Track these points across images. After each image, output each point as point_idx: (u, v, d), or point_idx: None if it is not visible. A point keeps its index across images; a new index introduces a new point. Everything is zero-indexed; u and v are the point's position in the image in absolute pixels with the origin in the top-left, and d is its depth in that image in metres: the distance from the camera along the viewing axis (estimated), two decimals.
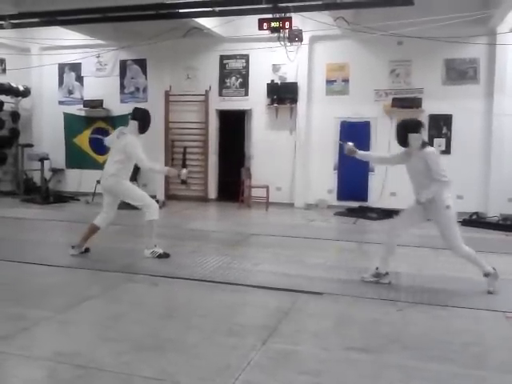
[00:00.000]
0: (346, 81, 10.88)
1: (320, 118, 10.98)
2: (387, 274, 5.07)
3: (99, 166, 12.15)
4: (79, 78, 12.66)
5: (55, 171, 12.60)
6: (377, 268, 5.08)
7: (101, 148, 12.33)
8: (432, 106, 10.18)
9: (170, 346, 3.50)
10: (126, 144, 5.70)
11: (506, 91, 9.78)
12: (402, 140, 4.90)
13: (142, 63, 12.15)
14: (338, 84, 10.96)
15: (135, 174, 11.52)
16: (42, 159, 12.01)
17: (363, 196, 10.68)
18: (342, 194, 10.80)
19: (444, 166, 4.79)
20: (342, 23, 9.74)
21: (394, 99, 10.38)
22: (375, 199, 10.50)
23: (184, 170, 6.06)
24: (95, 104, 12.23)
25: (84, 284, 5.01)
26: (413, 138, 4.81)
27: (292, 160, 11.16)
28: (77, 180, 12.54)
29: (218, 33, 10.86)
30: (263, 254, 6.41)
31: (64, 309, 4.20)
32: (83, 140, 12.68)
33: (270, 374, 3.11)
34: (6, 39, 11.46)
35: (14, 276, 5.32)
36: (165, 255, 5.95)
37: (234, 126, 11.63)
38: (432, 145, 10.27)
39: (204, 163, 11.77)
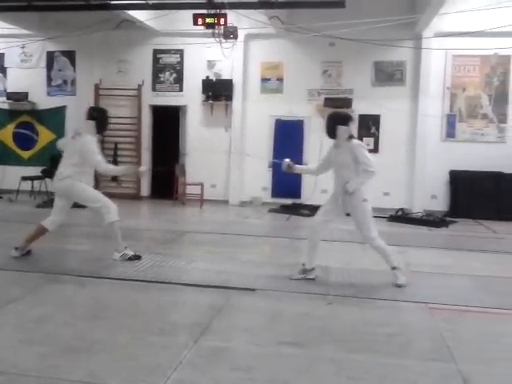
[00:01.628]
0: (280, 80, 11.03)
1: (255, 115, 11.06)
2: (313, 269, 5.17)
3: (24, 162, 11.65)
4: (2, 69, 11.96)
5: None
6: (303, 264, 5.18)
7: (26, 143, 11.78)
8: (361, 107, 10.55)
9: (99, 348, 3.39)
10: (82, 145, 5.42)
11: (430, 93, 10.32)
12: (331, 131, 5.02)
13: (70, 55, 11.67)
14: (272, 82, 11.09)
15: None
16: None
17: (296, 193, 10.90)
18: (276, 192, 10.96)
19: (371, 157, 4.94)
20: (277, 22, 9.86)
21: (325, 99, 10.65)
22: (308, 196, 10.73)
23: (143, 167, 5.87)
24: (20, 97, 11.60)
25: (5, 286, 4.73)
26: (341, 129, 4.94)
27: (227, 157, 11.17)
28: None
29: (151, 26, 10.65)
30: (197, 252, 6.36)
31: None
32: (7, 135, 11.97)
33: (202, 372, 3.10)
34: None
35: None
36: (135, 257, 5.70)
37: (168, 122, 11.45)
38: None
39: (136, 160, 11.50)
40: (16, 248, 5.63)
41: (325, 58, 10.80)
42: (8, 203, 10.39)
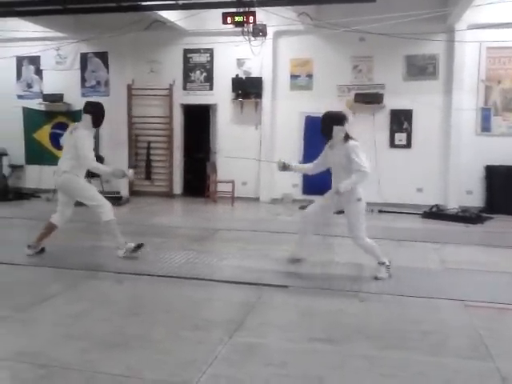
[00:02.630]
0: (309, 76, 10.99)
1: (285, 112, 11.05)
2: (300, 260, 5.32)
3: None
4: (38, 72, 12.29)
5: (14, 167, 12.20)
6: (292, 254, 5.33)
7: None
8: (393, 102, 10.41)
9: (136, 343, 3.47)
10: (76, 139, 5.49)
11: (464, 87, 10.09)
12: (327, 131, 5.00)
13: (103, 56, 11.90)
14: (302, 79, 11.05)
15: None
16: None
17: (327, 190, 10.77)
18: (307, 189, 10.91)
19: (366, 159, 4.90)
20: (305, 19, 9.83)
21: (356, 94, 10.54)
22: None
23: (131, 170, 5.89)
24: (55, 98, 11.91)
25: (45, 282, 4.89)
26: (337, 129, 4.93)
27: (257, 154, 11.18)
28: (37, 176, 12.17)
29: (181, 26, 10.76)
30: (229, 249, 6.41)
31: (24, 308, 4.10)
32: (43, 135, 12.32)
33: (237, 367, 3.13)
34: None
35: None
36: (138, 247, 5.73)
37: (198, 120, 11.56)
38: (393, 140, 10.59)
39: (169, 158, 11.66)
40: (29, 246, 5.76)
41: (355, 53, 10.69)
42: (46, 202, 10.70)
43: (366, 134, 10.53)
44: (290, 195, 11.03)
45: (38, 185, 12.03)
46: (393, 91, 10.42)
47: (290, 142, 10.99)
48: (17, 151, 12.21)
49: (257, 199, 11.14)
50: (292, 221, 9.02)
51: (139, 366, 3.13)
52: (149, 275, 5.11)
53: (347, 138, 4.95)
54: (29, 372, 3.04)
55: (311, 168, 5.66)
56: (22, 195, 11.24)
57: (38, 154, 12.28)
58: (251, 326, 3.82)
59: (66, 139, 5.74)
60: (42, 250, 5.86)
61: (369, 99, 10.40)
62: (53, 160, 11.94)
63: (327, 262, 5.63)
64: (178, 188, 11.80)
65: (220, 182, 11.00)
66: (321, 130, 5.07)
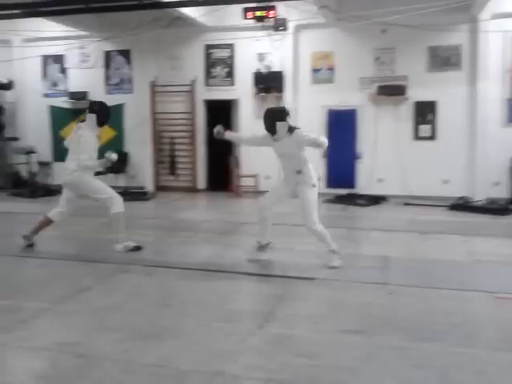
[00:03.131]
0: (331, 69, 10.93)
1: (307, 106, 11.02)
2: (268, 244, 5.59)
3: None
4: (63, 70, 12.49)
5: (42, 164, 12.46)
6: (258, 242, 5.57)
7: None
8: (417, 93, 10.29)
9: (168, 334, 3.57)
10: (79, 137, 5.66)
11: (489, 77, 9.92)
12: (271, 128, 5.17)
13: (126, 54, 12.04)
14: (323, 72, 11.01)
15: (123, 166, 11.58)
16: (28, 152, 11.92)
17: (351, 183, 10.80)
18: (331, 181, 10.89)
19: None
20: (327, 12, 9.78)
21: (379, 87, 10.46)
22: (363, 186, 10.62)
23: (113, 154, 5.83)
24: (80, 96, 12.09)
25: (78, 275, 5.03)
26: (280, 125, 5.09)
27: None
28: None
29: (202, 22, 10.80)
30: (254, 242, 6.46)
31: (61, 300, 4.24)
32: (69, 132, 12.48)
33: (268, 358, 3.20)
34: None
35: (6, 269, 5.34)
36: (136, 248, 5.84)
37: (221, 115, 11.61)
38: (417, 131, 10.50)
39: (192, 153, 11.77)
40: (24, 236, 5.95)
41: (377, 45, 10.59)
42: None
43: (389, 127, 10.49)
44: None
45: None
46: (416, 83, 10.31)
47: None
48: (44, 148, 12.47)
49: None
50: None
51: (172, 356, 3.22)
52: (177, 268, 5.22)
53: (291, 129, 5.13)
54: (68, 361, 3.16)
55: (244, 140, 6.42)
56: (49, 191, 11.46)
57: (65, 151, 12.45)
58: (280, 318, 3.88)
59: (71, 139, 5.88)
60: (32, 244, 5.99)
61: (392, 91, 10.31)
62: None
63: (353, 254, 5.64)
64: (202, 183, 11.91)
65: (243, 176, 11.07)
66: (265, 127, 5.23)
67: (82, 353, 3.25)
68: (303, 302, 4.31)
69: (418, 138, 10.54)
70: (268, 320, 3.80)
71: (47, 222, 5.98)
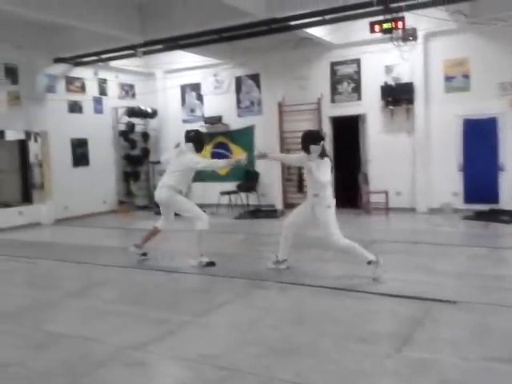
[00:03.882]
0: (466, 76, 10.30)
1: (439, 117, 10.50)
2: (285, 260, 5.92)
3: (221, 179, 12.89)
4: (199, 97, 13.47)
5: None
6: (276, 256, 5.93)
7: None
8: None
9: (304, 351, 3.61)
10: (188, 160, 6.27)
11: None
12: (305, 149, 5.54)
13: (255, 78, 12.60)
14: (457, 80, 10.41)
15: (253, 185, 12.06)
16: None
17: (493, 198, 9.95)
18: (469, 197, 10.17)
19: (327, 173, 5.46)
20: (459, 17, 9.26)
21: None
22: (507, 201, 9.74)
23: (244, 155, 6.48)
24: (215, 120, 12.93)
25: (217, 290, 5.34)
26: (313, 148, 5.47)
27: (411, 162, 10.79)
28: (201, 193, 13.28)
29: (327, 40, 10.91)
30: (388, 262, 6.21)
31: (202, 313, 4.53)
32: (205, 155, 13.32)
33: (409, 382, 3.08)
34: (135, 67, 12.61)
35: (152, 283, 5.84)
36: (210, 264, 6.23)
37: (347, 131, 11.55)
38: None
39: None
40: (135, 245, 6.75)
41: None
42: (210, 216, 11.57)
43: None
44: (449, 204, 10.37)
45: (203, 200, 13.07)
46: None
47: (447, 147, 10.40)
48: None
49: (412, 210, 10.71)
50: (455, 232, 8.50)
51: (309, 373, 3.26)
52: (310, 286, 5.27)
53: (323, 154, 5.52)
54: (211, 373, 3.36)
55: (286, 160, 7.03)
56: None
57: (201, 172, 13.30)
58: (420, 341, 3.72)
59: (170, 160, 6.68)
60: (145, 254, 6.78)
61: None
62: (214, 177, 13.01)
63: (498, 275, 5.20)
64: None
65: (372, 192, 10.83)
66: (301, 147, 5.62)
67: (224, 365, 3.43)
68: (444, 326, 4.07)
69: None
70: (406, 343, 3.66)
71: (155, 232, 6.76)
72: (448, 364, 3.34)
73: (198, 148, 6.44)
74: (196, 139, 6.44)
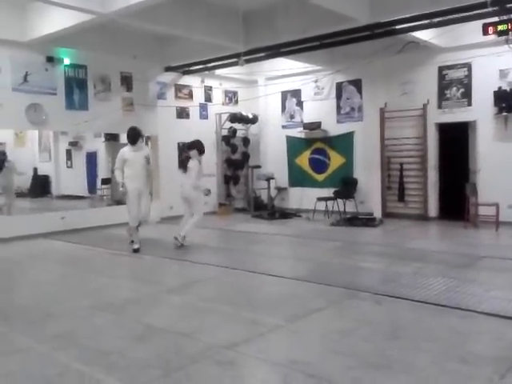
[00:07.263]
0: None
1: None
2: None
3: (318, 184, 12.86)
4: (299, 103, 13.54)
5: (280, 189, 13.72)
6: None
7: (320, 167, 13.04)
8: None
9: (398, 367, 3.46)
10: (193, 165, 8.26)
11: None
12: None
13: (357, 83, 12.38)
14: None
15: (351, 192, 11.83)
16: (268, 179, 13.31)
17: None
18: None
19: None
20: None
21: None
22: None
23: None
24: (314, 126, 12.91)
25: (309, 296, 5.30)
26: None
27: None
28: (298, 198, 13.34)
29: (435, 44, 10.43)
30: (496, 280, 5.82)
31: (293, 318, 4.52)
32: (303, 160, 13.46)
33: None
34: (238, 74, 12.98)
35: (247, 284, 5.97)
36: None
37: (454, 139, 10.92)
38: None
39: (422, 179, 11.31)
40: (175, 237, 8.18)
41: None
42: (306, 221, 11.60)
43: None
44: None
45: (300, 205, 13.15)
46: None
47: None
48: (282, 175, 13.72)
49: None
50: None
51: None
52: (407, 299, 5.04)
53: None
54: (299, 380, 3.33)
55: None
56: (286, 214, 12.47)
57: (300, 178, 13.47)
58: None
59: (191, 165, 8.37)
60: (182, 245, 8.20)
61: None
62: (312, 183, 13.01)
63: None
64: (433, 210, 11.31)
65: (481, 204, 10.11)
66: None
67: (313, 373, 3.38)
68: None
69: None
70: (511, 369, 3.37)
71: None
72: None
73: (201, 152, 8.42)
74: (197, 146, 8.41)
